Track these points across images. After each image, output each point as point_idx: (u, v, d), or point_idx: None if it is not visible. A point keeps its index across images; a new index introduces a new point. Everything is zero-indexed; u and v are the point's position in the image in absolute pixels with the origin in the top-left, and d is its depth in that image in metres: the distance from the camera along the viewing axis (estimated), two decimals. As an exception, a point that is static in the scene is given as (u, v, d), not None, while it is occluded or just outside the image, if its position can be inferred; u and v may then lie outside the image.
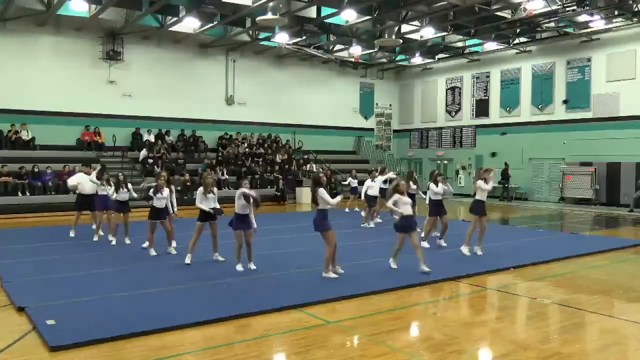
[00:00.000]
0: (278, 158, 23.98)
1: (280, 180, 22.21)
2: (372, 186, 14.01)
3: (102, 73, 21.23)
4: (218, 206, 8.86)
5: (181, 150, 22.26)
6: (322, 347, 5.23)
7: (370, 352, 5.10)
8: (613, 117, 21.06)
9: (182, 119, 22.98)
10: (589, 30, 20.86)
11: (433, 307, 6.99)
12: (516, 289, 7.76)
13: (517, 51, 24.11)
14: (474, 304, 7.18)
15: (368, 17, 18.74)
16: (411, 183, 11.65)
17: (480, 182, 9.88)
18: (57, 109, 20.15)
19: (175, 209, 10.00)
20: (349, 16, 18.66)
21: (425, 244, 10.17)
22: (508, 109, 24.99)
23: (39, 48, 19.97)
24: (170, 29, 20.27)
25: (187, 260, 8.75)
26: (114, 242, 10.76)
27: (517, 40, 22.94)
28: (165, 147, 21.50)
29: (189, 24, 19.85)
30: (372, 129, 29.70)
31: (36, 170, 17.66)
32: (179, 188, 18.16)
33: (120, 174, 11.05)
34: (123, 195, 10.68)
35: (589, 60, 22.06)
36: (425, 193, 11.57)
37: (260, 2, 16.81)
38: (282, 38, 21.55)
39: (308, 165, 24.15)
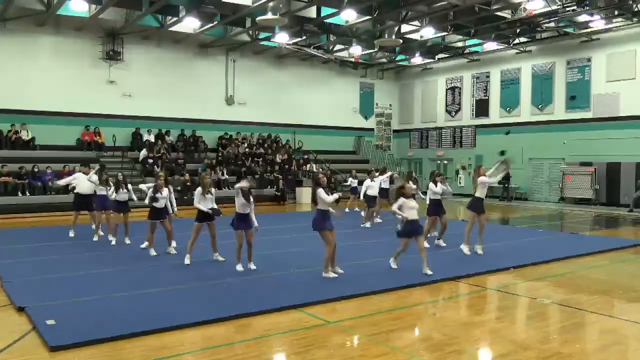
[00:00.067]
0: (278, 158, 23.98)
1: (280, 180, 22.21)
2: (372, 186, 14.01)
3: (102, 73, 21.23)
4: (216, 207, 8.86)
5: (181, 150, 22.25)
6: (322, 347, 5.22)
7: (370, 352, 5.10)
8: (613, 117, 21.06)
9: (182, 119, 22.98)
10: (589, 30, 20.87)
11: (433, 307, 6.99)
12: (516, 289, 7.76)
13: (517, 51, 24.11)
14: (473, 304, 7.18)
15: (368, 17, 18.74)
16: (411, 183, 11.64)
17: (482, 178, 9.87)
18: (57, 109, 20.15)
19: (175, 209, 10.00)
20: (349, 16, 18.66)
21: (424, 244, 10.16)
22: (508, 109, 25.00)
23: (39, 48, 19.97)
24: (170, 29, 20.27)
25: (187, 260, 8.75)
26: (113, 242, 10.76)
27: (517, 40, 22.95)
28: (165, 147, 21.50)
29: (189, 24, 19.85)
30: (372, 129, 29.70)
31: (36, 170, 17.66)
32: (178, 188, 18.20)
33: (119, 174, 11.05)
34: (122, 195, 10.67)
35: (589, 60, 22.07)
36: (425, 193, 11.57)
37: (260, 2, 16.81)
38: (282, 38, 21.55)
39: (308, 165, 24.15)
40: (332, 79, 27.70)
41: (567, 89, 22.71)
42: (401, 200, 8.25)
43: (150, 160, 20.39)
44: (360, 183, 16.07)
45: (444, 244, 10.72)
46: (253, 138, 24.94)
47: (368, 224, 13.88)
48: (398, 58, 26.73)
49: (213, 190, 8.99)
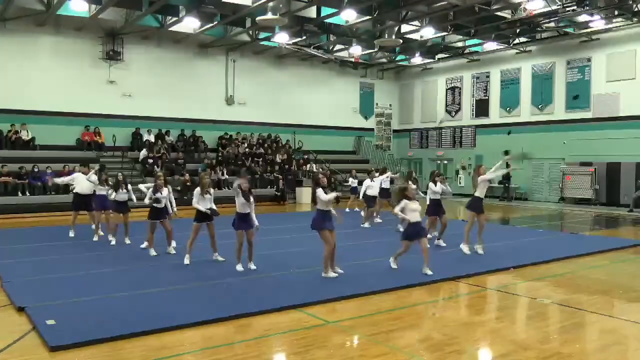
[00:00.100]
0: (278, 158, 23.98)
1: (280, 180, 22.21)
2: (372, 186, 14.00)
3: (102, 73, 21.23)
4: (214, 207, 8.86)
5: (181, 150, 22.26)
6: (322, 347, 5.22)
7: (370, 352, 5.10)
8: (613, 117, 21.07)
9: (182, 119, 22.98)
10: (589, 30, 20.87)
11: (433, 307, 6.99)
12: (516, 289, 7.76)
13: (517, 51, 24.12)
14: (473, 304, 7.18)
15: (368, 17, 18.75)
16: (410, 183, 11.64)
17: (482, 176, 9.87)
18: (57, 109, 20.16)
19: (175, 209, 10.00)
20: (349, 16, 18.66)
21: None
22: (508, 109, 25.00)
23: (39, 48, 19.98)
24: (170, 29, 20.27)
25: (186, 260, 8.75)
26: (113, 242, 10.75)
27: (517, 40, 22.95)
28: (165, 147, 21.51)
29: (189, 24, 19.85)
30: (372, 129, 29.71)
31: (36, 170, 17.66)
32: (178, 188, 18.20)
33: (119, 174, 11.04)
34: (122, 195, 10.67)
35: (589, 60, 22.07)
36: (425, 193, 11.57)
37: (260, 2, 16.81)
38: (282, 38, 21.55)
39: (308, 165, 24.16)
40: (332, 79, 27.70)
41: (568, 89, 22.72)
42: (404, 202, 8.24)
43: (150, 160, 20.39)
44: (360, 183, 16.07)
45: (444, 244, 10.72)
46: (253, 138, 24.94)
47: (367, 224, 13.86)
48: (398, 58, 26.74)
49: (212, 190, 8.99)
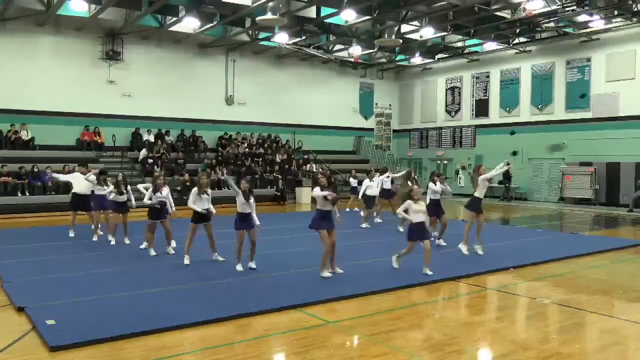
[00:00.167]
0: (278, 158, 23.98)
1: (280, 180, 22.21)
2: (371, 186, 13.99)
3: (102, 73, 21.23)
4: (212, 207, 8.85)
5: (181, 150, 22.25)
6: (322, 347, 5.22)
7: (369, 352, 5.10)
8: (612, 117, 21.07)
9: (182, 119, 22.98)
10: (588, 30, 20.88)
11: (433, 307, 6.99)
12: (516, 289, 7.76)
13: (517, 51, 24.11)
14: (473, 304, 7.18)
15: (368, 17, 18.74)
16: (409, 183, 11.65)
17: (482, 176, 9.88)
18: (57, 109, 20.15)
19: (173, 208, 9.98)
20: (348, 16, 18.65)
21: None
22: (508, 109, 25.00)
23: (39, 48, 19.97)
24: (170, 29, 20.27)
25: (186, 260, 8.74)
26: (113, 242, 10.75)
27: (516, 40, 22.95)
28: (165, 147, 21.49)
29: (189, 24, 19.84)
30: (372, 129, 29.71)
31: (36, 170, 17.66)
32: (178, 188, 18.20)
33: (120, 174, 11.04)
34: (121, 196, 10.67)
35: (588, 60, 22.07)
36: (425, 193, 11.56)
37: (260, 2, 16.81)
38: (281, 38, 21.54)
39: (308, 165, 24.16)
40: (332, 79, 27.70)
41: (568, 89, 22.72)
42: (407, 202, 8.27)
43: (150, 160, 20.38)
44: (361, 183, 16.06)
45: (445, 243, 10.72)
46: (253, 138, 24.94)
47: (364, 225, 13.81)
48: (398, 58, 26.73)
49: (209, 190, 8.98)
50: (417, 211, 8.23)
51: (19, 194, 17.00)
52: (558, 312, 6.67)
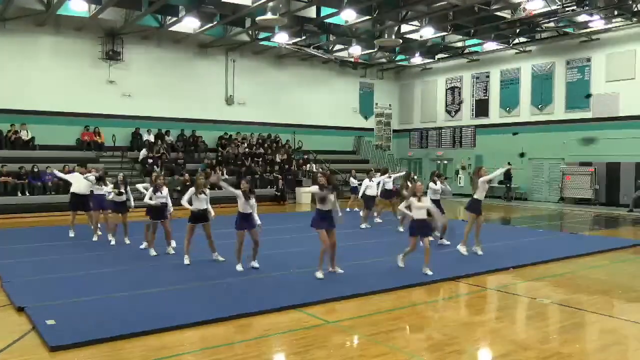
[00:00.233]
0: (278, 158, 23.98)
1: (280, 180, 22.21)
2: (370, 186, 13.98)
3: (102, 73, 21.23)
4: (210, 208, 8.84)
5: (181, 150, 22.25)
6: (322, 347, 5.22)
7: (369, 352, 5.10)
8: (612, 117, 21.07)
9: (182, 119, 22.97)
10: (588, 30, 20.87)
11: (433, 307, 6.99)
12: (516, 289, 7.76)
13: (517, 51, 24.11)
14: (473, 304, 7.18)
15: (368, 17, 18.74)
16: (409, 183, 11.65)
17: (482, 177, 9.89)
18: (57, 109, 20.14)
19: (171, 209, 9.96)
20: (348, 16, 18.65)
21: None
22: (508, 109, 25.00)
23: (39, 48, 19.96)
24: (170, 29, 20.26)
25: (186, 260, 8.74)
26: (113, 242, 10.75)
27: (516, 40, 22.95)
28: (165, 147, 21.49)
29: (189, 24, 19.84)
30: (372, 129, 29.71)
31: (36, 170, 17.66)
32: (178, 188, 18.17)
33: (120, 174, 11.04)
34: (120, 196, 10.66)
35: (588, 60, 22.07)
36: (425, 193, 11.55)
37: (260, 2, 16.81)
38: (281, 38, 21.54)
39: (308, 165, 24.15)
40: (332, 79, 27.70)
41: (567, 89, 22.72)
42: (410, 199, 8.31)
43: (150, 160, 20.38)
44: (361, 183, 16.06)
45: (448, 242, 10.72)
46: (253, 138, 24.93)
47: (364, 225, 13.77)
48: (398, 58, 26.73)
49: (207, 191, 8.97)
50: (419, 208, 8.25)
51: (19, 194, 17.00)
52: (558, 312, 6.67)
